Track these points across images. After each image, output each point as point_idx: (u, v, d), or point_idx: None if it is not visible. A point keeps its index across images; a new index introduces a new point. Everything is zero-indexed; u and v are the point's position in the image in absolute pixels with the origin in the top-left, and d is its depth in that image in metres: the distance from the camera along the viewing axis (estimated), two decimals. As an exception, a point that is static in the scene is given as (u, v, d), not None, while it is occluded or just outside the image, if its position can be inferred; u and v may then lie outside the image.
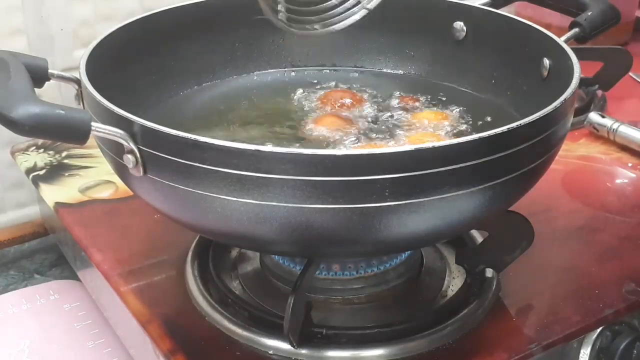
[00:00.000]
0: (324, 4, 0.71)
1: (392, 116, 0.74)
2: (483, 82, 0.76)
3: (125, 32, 0.70)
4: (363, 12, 0.71)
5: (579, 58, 0.64)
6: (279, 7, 0.71)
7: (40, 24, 0.92)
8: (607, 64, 0.98)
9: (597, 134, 0.94)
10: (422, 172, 0.51)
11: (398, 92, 0.77)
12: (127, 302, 0.67)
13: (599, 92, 1.02)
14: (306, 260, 0.60)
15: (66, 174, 0.88)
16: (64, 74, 0.63)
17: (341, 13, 0.71)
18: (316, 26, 0.72)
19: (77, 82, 0.61)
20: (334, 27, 0.72)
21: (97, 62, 0.64)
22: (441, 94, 0.77)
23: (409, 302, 0.68)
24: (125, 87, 0.69)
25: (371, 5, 0.71)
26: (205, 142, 0.51)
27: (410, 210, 0.52)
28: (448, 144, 0.51)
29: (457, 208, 0.54)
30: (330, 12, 0.72)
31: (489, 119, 0.73)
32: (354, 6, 0.72)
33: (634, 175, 0.88)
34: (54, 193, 0.84)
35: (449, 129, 0.72)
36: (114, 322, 0.76)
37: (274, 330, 0.62)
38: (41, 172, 0.88)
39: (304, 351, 0.61)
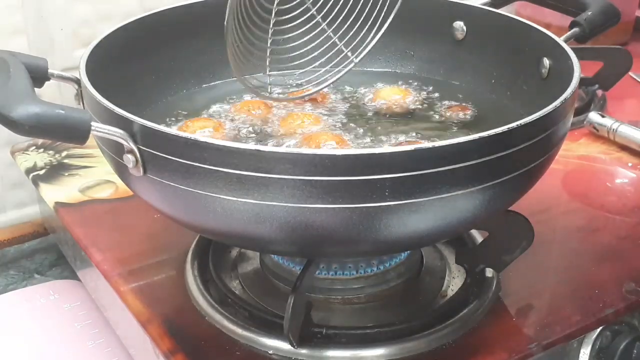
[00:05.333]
0: (310, 62, 0.73)
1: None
2: (483, 81, 0.76)
3: (125, 32, 0.70)
4: (350, 65, 0.73)
5: (579, 58, 0.64)
6: (267, 69, 0.72)
7: (40, 24, 0.92)
8: (607, 63, 0.98)
9: (597, 134, 0.94)
10: (422, 172, 0.51)
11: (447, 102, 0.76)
12: (127, 302, 0.67)
13: (599, 92, 1.02)
14: (306, 260, 0.60)
15: (66, 174, 0.88)
16: (64, 73, 0.63)
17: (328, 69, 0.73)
18: (304, 88, 0.73)
19: (77, 82, 0.62)
20: (321, 86, 0.73)
21: (97, 62, 0.64)
22: (441, 93, 0.77)
23: (409, 302, 0.68)
24: (125, 87, 0.69)
25: (359, 59, 0.72)
26: (205, 142, 0.51)
27: (410, 210, 0.52)
28: (448, 143, 0.51)
29: (457, 208, 0.54)
30: (317, 73, 0.74)
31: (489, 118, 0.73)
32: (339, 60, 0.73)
33: (634, 175, 0.88)
34: (54, 193, 0.84)
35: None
36: (114, 322, 0.76)
37: (274, 330, 0.62)
38: (41, 172, 0.88)
39: (304, 351, 0.61)
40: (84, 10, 0.94)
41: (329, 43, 0.73)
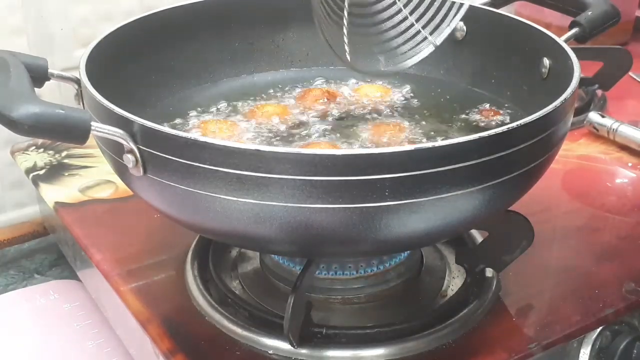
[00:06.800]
0: (391, 42, 0.71)
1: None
2: (483, 81, 0.76)
3: (125, 32, 0.70)
4: (430, 49, 0.71)
5: (579, 58, 0.64)
6: (346, 46, 0.70)
7: (40, 24, 0.92)
8: (607, 63, 0.98)
9: (597, 134, 0.94)
10: (422, 172, 0.51)
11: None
12: (127, 301, 0.67)
13: (599, 92, 1.02)
14: (306, 260, 0.60)
15: (66, 174, 0.88)
16: (63, 73, 0.63)
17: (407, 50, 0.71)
18: (382, 64, 0.71)
19: (77, 81, 0.62)
20: (402, 64, 0.71)
21: (97, 62, 0.64)
22: (440, 93, 0.77)
23: (409, 302, 0.68)
24: (126, 87, 0.69)
25: (439, 41, 0.71)
26: (205, 142, 0.51)
27: (410, 210, 0.52)
28: (448, 143, 0.51)
29: (457, 208, 0.54)
30: (397, 50, 0.71)
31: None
32: (420, 42, 0.71)
33: (634, 175, 0.88)
34: (54, 193, 0.84)
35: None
36: (114, 322, 0.76)
37: (274, 330, 0.62)
38: (41, 172, 0.88)
39: (304, 351, 0.61)
40: (84, 10, 0.94)
41: (407, 25, 0.72)
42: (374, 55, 0.72)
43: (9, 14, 0.90)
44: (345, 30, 0.70)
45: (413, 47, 0.72)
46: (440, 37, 0.71)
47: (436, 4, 0.71)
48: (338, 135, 0.70)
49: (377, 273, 0.67)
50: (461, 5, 0.71)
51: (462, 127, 0.72)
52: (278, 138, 0.69)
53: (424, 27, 0.71)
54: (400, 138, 0.69)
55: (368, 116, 0.74)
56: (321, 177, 0.50)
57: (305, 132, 0.70)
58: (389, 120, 0.73)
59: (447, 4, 0.71)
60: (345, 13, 0.70)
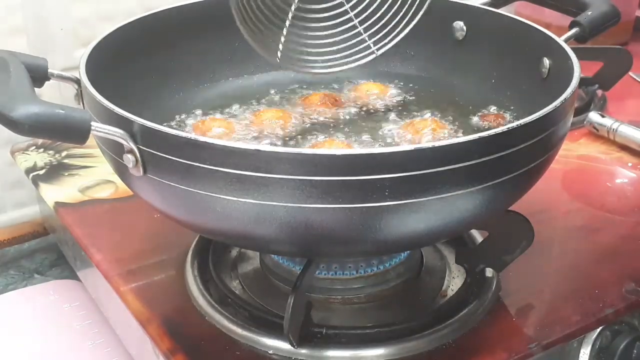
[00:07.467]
0: (329, 48, 0.71)
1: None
2: (483, 81, 0.76)
3: (125, 32, 0.70)
4: (371, 57, 0.71)
5: (579, 58, 0.64)
6: (280, 46, 0.69)
7: (40, 24, 0.92)
8: (607, 63, 0.99)
9: (597, 134, 0.94)
10: (422, 172, 0.51)
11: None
12: (127, 301, 0.67)
13: (599, 92, 1.02)
14: (306, 260, 0.60)
15: (66, 174, 0.88)
16: (63, 73, 0.63)
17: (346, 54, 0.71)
18: (318, 67, 0.71)
19: (77, 81, 0.62)
20: (335, 69, 0.71)
21: (97, 62, 0.64)
22: (440, 93, 0.77)
23: (409, 302, 0.68)
24: (126, 87, 0.69)
25: (380, 52, 0.70)
26: (205, 142, 0.51)
27: (410, 210, 0.52)
28: (448, 143, 0.51)
29: (457, 208, 0.54)
30: (334, 55, 0.71)
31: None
32: (361, 49, 0.71)
33: (634, 175, 0.88)
34: (54, 193, 0.84)
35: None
36: (113, 322, 0.76)
37: (274, 330, 0.62)
38: (41, 172, 0.88)
39: (304, 351, 0.61)
40: (84, 10, 0.94)
41: (353, 32, 0.71)
42: (305, 56, 0.71)
43: (9, 14, 0.90)
44: (285, 30, 0.69)
45: (353, 53, 0.71)
46: (383, 48, 0.71)
47: (386, 16, 0.71)
48: (350, 139, 0.70)
49: (377, 273, 0.67)
50: (411, 18, 0.71)
51: (463, 127, 0.72)
52: (281, 142, 0.69)
53: (368, 34, 0.71)
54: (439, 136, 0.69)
55: (374, 116, 0.74)
56: (321, 177, 0.50)
57: (311, 135, 0.70)
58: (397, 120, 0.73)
59: (397, 16, 0.71)
60: (290, 14, 0.69)
